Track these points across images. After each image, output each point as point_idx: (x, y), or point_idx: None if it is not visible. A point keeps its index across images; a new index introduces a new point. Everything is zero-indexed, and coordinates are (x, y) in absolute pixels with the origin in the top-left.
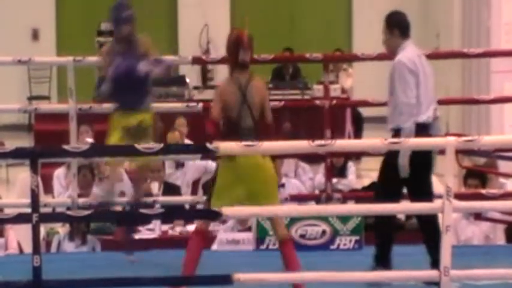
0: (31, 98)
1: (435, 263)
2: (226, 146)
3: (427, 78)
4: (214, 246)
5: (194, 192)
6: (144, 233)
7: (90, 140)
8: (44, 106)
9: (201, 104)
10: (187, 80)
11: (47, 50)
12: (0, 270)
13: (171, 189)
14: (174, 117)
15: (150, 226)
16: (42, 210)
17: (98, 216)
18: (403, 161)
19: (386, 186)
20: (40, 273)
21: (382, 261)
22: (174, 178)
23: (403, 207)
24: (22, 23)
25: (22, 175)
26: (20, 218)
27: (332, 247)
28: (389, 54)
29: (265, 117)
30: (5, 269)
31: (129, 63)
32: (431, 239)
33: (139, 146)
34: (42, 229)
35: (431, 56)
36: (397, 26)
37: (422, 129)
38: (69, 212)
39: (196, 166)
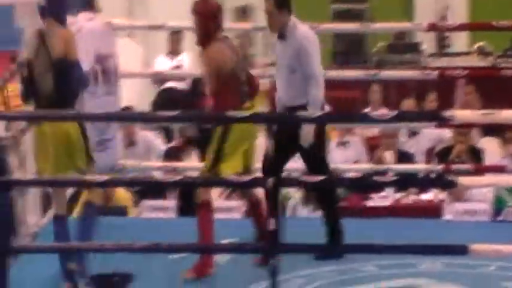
0: None
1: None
2: (462, 114)
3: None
4: (449, 216)
5: (428, 160)
6: (377, 200)
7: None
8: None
9: (436, 72)
10: (423, 47)
11: None
12: (237, 233)
13: (405, 157)
14: (408, 85)
15: (383, 193)
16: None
17: (331, 182)
18: (309, 129)
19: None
20: (276, 236)
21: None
22: (408, 146)
23: None
24: None
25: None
26: (256, 182)
27: None
28: (272, 31)
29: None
30: (242, 231)
31: None
32: (329, 209)
33: (372, 113)
34: None
35: None
36: (285, 2)
37: None
38: (303, 177)
39: (430, 134)
